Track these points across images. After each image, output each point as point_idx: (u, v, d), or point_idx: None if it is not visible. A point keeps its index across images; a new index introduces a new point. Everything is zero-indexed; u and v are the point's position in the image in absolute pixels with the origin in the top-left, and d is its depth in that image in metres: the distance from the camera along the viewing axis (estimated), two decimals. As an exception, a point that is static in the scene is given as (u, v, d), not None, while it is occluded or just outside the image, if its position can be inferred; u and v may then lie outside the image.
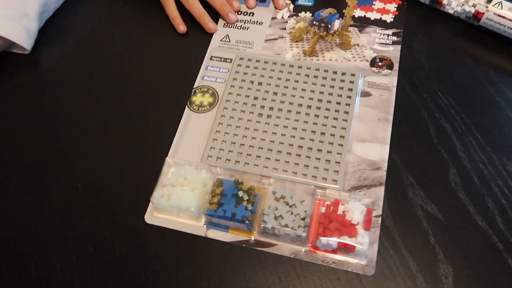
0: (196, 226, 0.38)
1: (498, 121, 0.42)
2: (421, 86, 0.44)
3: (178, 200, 0.37)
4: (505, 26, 0.44)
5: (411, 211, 0.37)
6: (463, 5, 0.46)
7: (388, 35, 0.47)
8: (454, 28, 0.48)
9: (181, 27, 0.50)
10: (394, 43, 0.47)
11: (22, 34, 0.47)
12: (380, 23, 0.49)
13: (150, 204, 0.39)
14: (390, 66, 0.45)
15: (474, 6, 0.45)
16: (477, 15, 0.45)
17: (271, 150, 0.41)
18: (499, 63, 0.45)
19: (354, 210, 0.36)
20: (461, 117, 0.42)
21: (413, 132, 0.41)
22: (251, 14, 0.51)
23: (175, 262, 0.37)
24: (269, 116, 0.43)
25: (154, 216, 0.39)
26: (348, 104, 0.43)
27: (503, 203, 0.37)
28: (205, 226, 0.38)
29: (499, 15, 0.44)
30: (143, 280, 0.36)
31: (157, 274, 0.36)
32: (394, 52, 0.46)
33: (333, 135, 0.41)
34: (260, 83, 0.45)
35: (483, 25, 0.46)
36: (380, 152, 0.40)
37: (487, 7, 0.44)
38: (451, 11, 0.47)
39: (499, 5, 0.44)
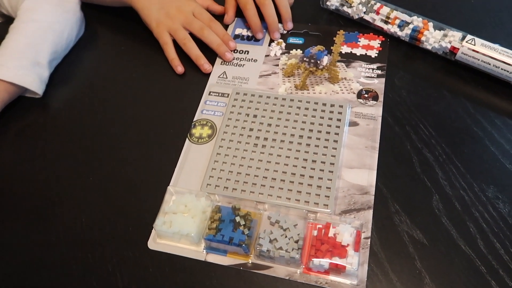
0: (196, 251, 0.40)
1: (476, 149, 0.44)
2: (403, 119, 0.47)
3: (179, 226, 0.40)
4: (478, 60, 0.47)
5: (398, 237, 0.39)
6: (440, 41, 0.50)
7: (373, 69, 0.51)
8: (433, 64, 0.52)
9: (179, 68, 0.54)
10: (378, 76, 0.51)
11: (36, 81, 0.51)
12: (365, 58, 0.52)
13: (153, 231, 0.41)
14: (375, 98, 0.49)
15: (450, 42, 0.49)
16: (453, 51, 0.49)
17: (265, 177, 0.43)
18: (475, 95, 0.48)
19: (344, 232, 0.38)
20: (442, 147, 0.44)
21: (397, 162, 0.44)
22: (247, 52, 0.55)
23: (177, 285, 0.39)
24: (263, 146, 0.46)
25: (157, 243, 0.41)
26: (337, 134, 0.46)
27: (484, 227, 0.39)
28: (204, 250, 0.40)
29: (472, 50, 0.48)
30: (146, 303, 0.38)
31: (160, 297, 0.38)
32: (379, 85, 0.50)
33: (324, 162, 0.44)
34: (255, 116, 0.48)
35: (459, 59, 0.49)
36: (368, 178, 0.43)
37: (461, 43, 0.48)
38: (429, 47, 0.51)
39: (472, 41, 0.48)
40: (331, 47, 0.53)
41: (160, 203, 0.42)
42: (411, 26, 0.51)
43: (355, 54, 0.53)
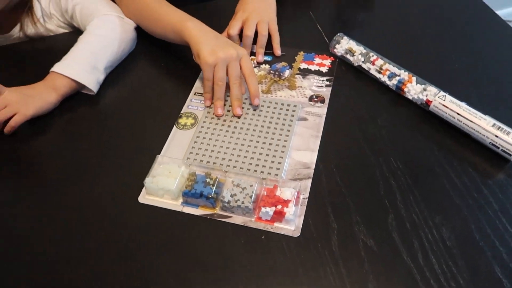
0: (175, 204, 0.52)
1: (434, 184, 0.53)
2: (379, 152, 0.56)
3: (163, 184, 0.52)
4: (446, 113, 0.57)
5: (355, 242, 0.48)
6: (419, 94, 0.60)
7: (323, 80, 0.66)
8: (412, 110, 0.62)
9: (219, 111, 0.62)
10: (327, 86, 0.65)
11: (93, 82, 0.64)
12: (318, 73, 0.67)
13: (143, 188, 0.54)
14: (322, 101, 0.63)
15: (426, 95, 0.59)
16: (427, 103, 0.59)
17: (233, 154, 0.57)
18: (441, 140, 0.58)
19: (286, 191, 0.51)
20: (405, 177, 0.54)
21: (365, 184, 0.53)
22: (226, 65, 0.70)
23: (160, 230, 0.51)
24: (233, 132, 0.59)
25: (145, 198, 0.53)
26: (290, 125, 0.59)
27: (426, 245, 0.47)
28: (181, 204, 0.52)
29: (442, 105, 0.57)
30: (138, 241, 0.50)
31: (149, 239, 0.50)
32: (326, 92, 0.64)
33: (278, 145, 0.57)
34: (228, 111, 0.62)
35: (432, 110, 0.59)
36: (311, 157, 0.56)
37: (434, 98, 0.58)
38: (410, 97, 0.61)
39: (443, 97, 0.58)
40: (293, 64, 0.68)
41: (147, 167, 0.54)
42: (398, 78, 0.62)
43: (310, 69, 0.68)
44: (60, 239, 0.51)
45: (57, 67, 0.63)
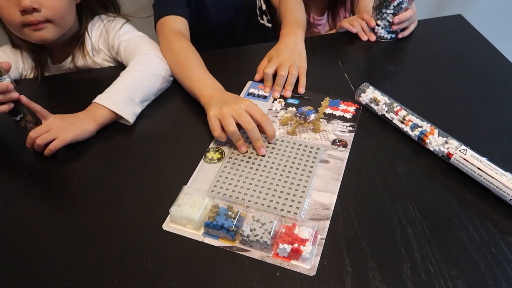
0: (196, 234, 0.55)
1: (451, 236, 0.53)
2: (397, 199, 0.57)
3: (187, 213, 0.55)
4: (467, 167, 0.58)
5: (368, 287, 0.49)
6: (440, 146, 0.61)
7: (346, 126, 0.68)
8: (433, 162, 0.62)
9: (243, 149, 0.65)
10: (350, 131, 0.68)
11: (129, 113, 0.70)
12: (342, 118, 0.70)
13: (168, 217, 0.56)
14: (345, 146, 0.65)
15: (447, 148, 0.60)
16: (448, 155, 0.60)
17: (255, 191, 0.59)
18: (460, 193, 0.58)
19: (304, 230, 0.52)
20: (423, 227, 0.54)
21: (382, 230, 0.54)
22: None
23: (180, 258, 0.53)
24: (257, 170, 0.62)
25: (169, 226, 0.56)
26: (312, 167, 0.62)
27: None
28: (203, 235, 0.55)
29: (463, 158, 0.58)
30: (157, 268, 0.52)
31: (169, 265, 0.52)
32: (349, 137, 0.67)
33: (299, 184, 0.59)
34: (254, 149, 0.65)
35: (453, 163, 0.60)
36: (330, 199, 0.58)
37: (456, 151, 0.59)
38: (431, 149, 0.62)
39: (464, 151, 0.59)
40: (318, 108, 0.71)
41: (174, 197, 0.57)
42: (420, 129, 0.63)
43: (335, 114, 0.71)
44: (84, 260, 0.53)
45: (98, 99, 0.69)
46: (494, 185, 0.56)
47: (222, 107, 0.64)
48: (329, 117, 0.71)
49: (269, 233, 0.52)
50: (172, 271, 0.51)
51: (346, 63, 0.83)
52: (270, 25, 1.06)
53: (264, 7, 1.04)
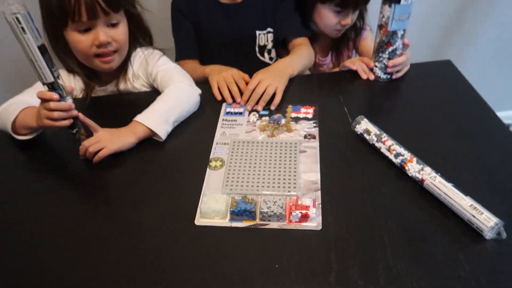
0: (224, 222, 0.69)
1: (421, 245, 0.64)
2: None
3: (214, 207, 0.69)
4: (435, 191, 0.69)
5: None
6: (416, 172, 0.72)
7: (311, 123, 0.89)
8: (411, 185, 0.73)
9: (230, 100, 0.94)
10: (314, 127, 0.88)
11: (163, 131, 0.84)
12: (305, 119, 0.90)
13: (197, 213, 0.70)
14: (314, 137, 0.85)
15: (422, 175, 0.71)
16: (422, 180, 0.71)
17: (258, 181, 0.76)
18: (432, 212, 0.69)
19: (306, 200, 0.70)
20: (399, 236, 0.65)
21: (360, 219, 0.67)
22: (235, 120, 0.91)
23: (214, 240, 0.67)
24: (254, 167, 0.79)
25: (199, 221, 0.70)
26: (295, 157, 0.80)
27: None
28: (229, 221, 0.69)
29: (432, 184, 0.69)
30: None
31: (207, 247, 0.66)
32: (315, 131, 0.86)
33: (290, 171, 0.77)
34: (246, 153, 0.82)
35: (425, 187, 0.71)
36: (316, 176, 0.76)
37: (427, 177, 0.70)
38: (409, 174, 0.74)
39: (434, 178, 0.69)
40: (285, 114, 0.90)
41: (197, 201, 0.72)
42: (401, 157, 0.75)
43: (299, 116, 0.91)
44: (125, 254, 0.65)
45: (138, 117, 0.83)
46: (456, 207, 0.67)
47: (221, 73, 0.97)
48: (296, 119, 0.90)
49: (281, 207, 0.69)
50: (213, 252, 0.65)
51: (346, 98, 0.96)
52: (271, 62, 1.21)
53: (269, 46, 1.18)
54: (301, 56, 1.07)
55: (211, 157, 0.82)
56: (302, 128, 0.88)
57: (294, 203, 0.70)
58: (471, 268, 0.61)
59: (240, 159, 0.81)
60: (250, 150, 0.82)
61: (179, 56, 1.15)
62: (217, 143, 0.85)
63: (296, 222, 0.68)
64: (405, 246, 0.65)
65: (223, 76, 0.97)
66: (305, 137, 0.85)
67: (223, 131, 0.88)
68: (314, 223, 0.68)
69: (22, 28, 0.66)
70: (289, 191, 0.74)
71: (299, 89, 1.00)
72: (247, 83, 0.96)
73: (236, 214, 0.69)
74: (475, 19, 1.50)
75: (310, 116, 0.91)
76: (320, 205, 0.71)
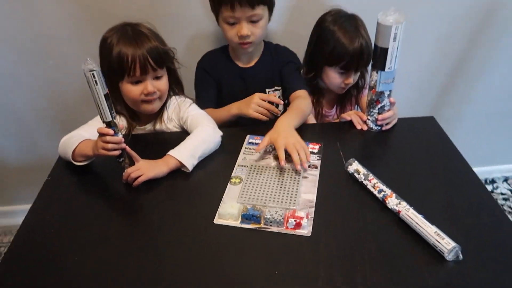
0: (236, 223, 0.90)
1: (394, 263, 0.79)
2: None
3: (230, 211, 0.90)
4: (408, 220, 0.84)
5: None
6: (394, 205, 0.87)
7: (315, 156, 1.09)
8: (391, 215, 0.89)
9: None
10: (317, 159, 1.08)
11: (191, 165, 1.02)
12: (312, 152, 1.10)
13: (217, 214, 0.91)
14: (316, 167, 1.05)
15: (398, 207, 0.87)
16: (398, 212, 0.86)
17: (267, 195, 0.96)
18: (406, 238, 0.84)
19: (301, 213, 0.89)
20: (377, 255, 0.80)
21: (346, 227, 0.94)
22: (254, 149, 1.12)
23: (227, 237, 0.87)
24: (267, 184, 1.00)
25: (217, 220, 0.91)
26: (298, 181, 1.01)
27: None
28: (240, 223, 0.90)
29: (407, 215, 0.85)
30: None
31: (220, 243, 0.86)
32: (318, 162, 1.07)
33: (293, 191, 0.97)
34: (261, 174, 1.03)
35: (401, 217, 0.86)
36: (312, 197, 0.95)
37: (403, 209, 0.85)
38: (389, 207, 0.89)
39: (408, 210, 0.85)
40: (296, 148, 1.11)
41: (217, 206, 0.93)
42: (383, 193, 0.90)
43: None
44: (157, 261, 0.82)
45: (171, 152, 1.03)
46: (423, 233, 0.82)
47: (250, 103, 1.16)
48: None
49: (281, 216, 0.89)
50: (225, 245, 0.85)
51: (343, 144, 1.12)
52: (278, 115, 1.35)
53: None
54: (298, 109, 1.20)
55: (232, 175, 1.04)
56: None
57: (291, 214, 0.89)
58: (433, 283, 0.76)
59: (255, 178, 1.02)
60: (263, 172, 1.04)
61: (200, 105, 1.27)
62: (238, 165, 1.08)
63: (291, 228, 0.88)
64: (380, 262, 0.80)
65: (255, 104, 1.17)
66: (309, 166, 1.06)
67: (244, 156, 1.11)
68: (305, 230, 0.87)
69: (95, 81, 0.86)
70: (289, 205, 0.93)
71: (305, 136, 1.11)
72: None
73: (246, 217, 0.89)
74: (465, 81, 1.69)
75: (315, 150, 1.12)
76: (312, 218, 0.90)
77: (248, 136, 1.19)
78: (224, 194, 0.98)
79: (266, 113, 1.17)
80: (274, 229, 0.88)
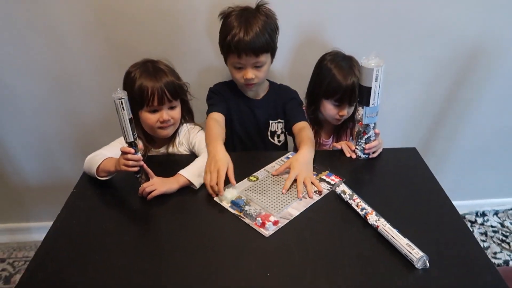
0: (227, 205, 1.06)
1: (370, 271, 0.88)
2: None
3: (226, 194, 1.07)
4: (385, 233, 0.93)
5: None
6: (374, 221, 0.96)
7: (329, 187, 1.14)
8: (370, 230, 0.98)
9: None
10: (328, 190, 1.12)
11: (198, 182, 1.13)
12: (328, 183, 1.15)
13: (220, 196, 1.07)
14: (320, 193, 1.11)
15: (377, 223, 0.96)
16: (377, 227, 0.95)
17: (264, 197, 1.09)
18: (383, 249, 0.93)
19: (272, 218, 1.00)
20: (356, 265, 0.89)
21: (329, 244, 0.98)
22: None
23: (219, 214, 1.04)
24: (271, 189, 1.12)
25: (219, 202, 1.07)
26: (295, 198, 1.11)
27: None
28: (229, 207, 1.05)
29: (383, 229, 0.94)
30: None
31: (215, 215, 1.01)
32: (326, 191, 1.12)
33: (284, 204, 1.09)
34: (273, 180, 1.15)
35: (379, 231, 0.95)
36: (295, 212, 1.05)
37: (380, 224, 0.94)
38: (370, 223, 0.97)
39: (385, 225, 0.94)
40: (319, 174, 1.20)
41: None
42: (365, 210, 1.00)
43: (324, 179, 1.17)
44: (161, 266, 0.92)
45: (181, 171, 1.14)
46: (397, 244, 0.92)
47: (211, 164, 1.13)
48: (320, 180, 1.17)
49: (255, 213, 1.02)
50: (216, 218, 1.03)
51: (333, 169, 1.22)
52: (279, 144, 1.51)
53: (278, 132, 1.48)
54: (312, 141, 1.29)
55: (254, 174, 1.19)
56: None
57: (264, 215, 1.02)
58: (404, 286, 0.86)
59: (267, 182, 1.16)
60: (276, 180, 1.17)
61: (210, 110, 1.35)
62: (264, 169, 1.22)
63: (258, 225, 1.00)
64: (359, 268, 0.89)
65: (210, 169, 1.13)
66: (315, 191, 1.13)
67: (273, 165, 1.25)
68: (267, 230, 0.99)
69: (123, 107, 0.98)
70: (270, 210, 1.05)
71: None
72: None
73: (233, 203, 1.06)
74: (454, 119, 1.80)
75: (333, 182, 1.16)
76: (280, 227, 1.00)
77: (291, 153, 1.32)
78: (237, 184, 1.12)
79: (207, 183, 1.14)
80: (247, 221, 1.02)
